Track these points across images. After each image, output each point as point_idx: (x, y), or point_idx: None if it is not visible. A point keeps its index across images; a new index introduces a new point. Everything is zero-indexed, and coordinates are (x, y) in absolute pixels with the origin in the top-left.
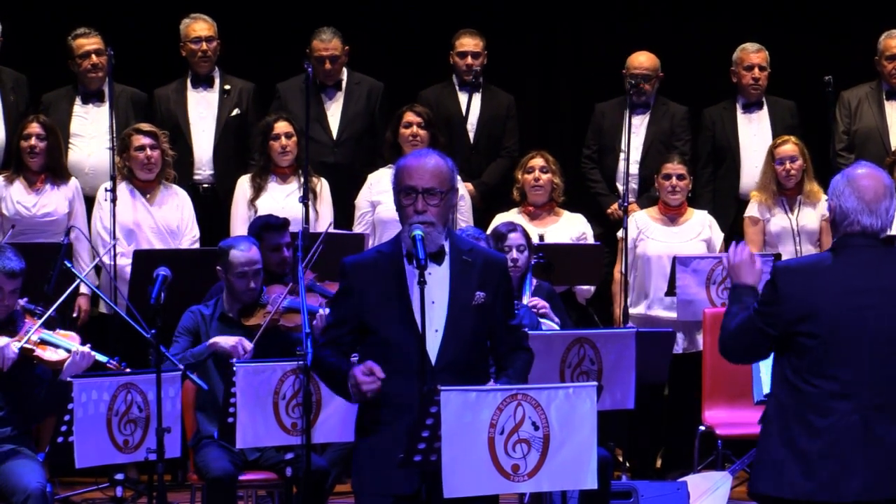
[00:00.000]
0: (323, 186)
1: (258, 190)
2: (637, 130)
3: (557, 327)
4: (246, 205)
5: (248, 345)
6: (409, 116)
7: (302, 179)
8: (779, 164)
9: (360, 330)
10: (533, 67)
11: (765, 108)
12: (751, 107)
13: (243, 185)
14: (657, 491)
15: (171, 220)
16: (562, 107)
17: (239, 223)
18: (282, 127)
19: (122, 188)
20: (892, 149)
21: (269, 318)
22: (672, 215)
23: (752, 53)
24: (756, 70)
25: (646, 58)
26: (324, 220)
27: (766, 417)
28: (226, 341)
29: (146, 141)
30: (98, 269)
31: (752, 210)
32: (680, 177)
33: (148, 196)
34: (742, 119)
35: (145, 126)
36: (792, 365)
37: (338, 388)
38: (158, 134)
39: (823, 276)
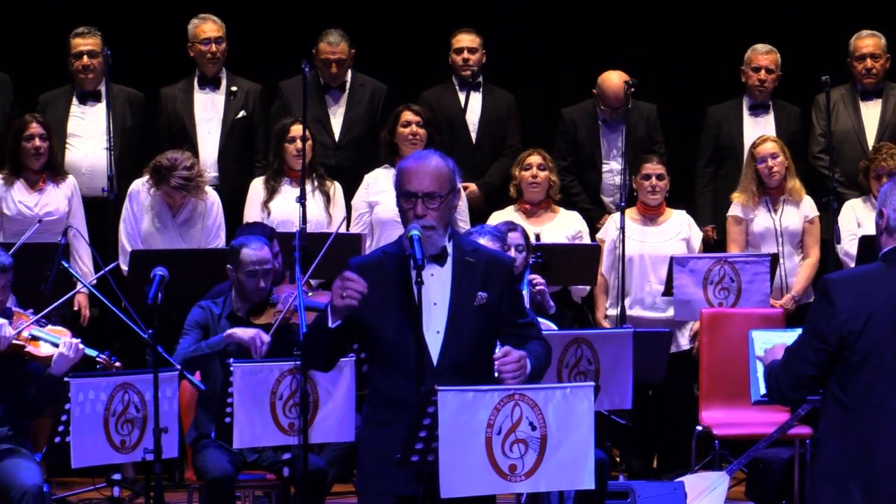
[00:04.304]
0: (336, 190)
1: (272, 192)
2: (617, 139)
3: (553, 325)
4: (259, 207)
5: (266, 337)
6: (407, 115)
7: (316, 182)
8: (761, 162)
9: (357, 328)
10: (532, 68)
11: (772, 111)
12: (757, 108)
13: (257, 187)
14: (654, 491)
15: (193, 233)
16: (561, 107)
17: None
18: (298, 130)
19: (150, 199)
20: (870, 149)
21: (281, 317)
22: (651, 215)
23: (762, 55)
24: (763, 72)
25: (618, 78)
26: (337, 223)
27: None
28: (244, 332)
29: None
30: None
31: (734, 210)
32: (659, 177)
33: (172, 208)
34: (748, 120)
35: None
36: (841, 385)
37: (318, 328)
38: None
39: (879, 287)
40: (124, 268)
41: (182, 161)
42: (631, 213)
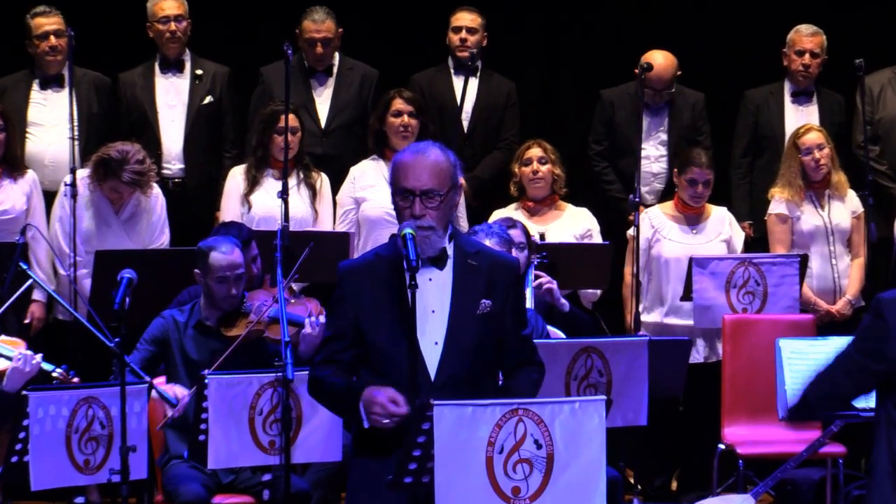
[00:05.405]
0: (323, 183)
1: (253, 184)
2: (659, 125)
3: (560, 333)
4: (239, 200)
5: (182, 391)
6: (399, 104)
7: (301, 175)
8: (805, 154)
9: (359, 343)
10: (534, 52)
11: (815, 99)
12: (800, 95)
13: (236, 177)
14: None
15: (138, 230)
16: (565, 94)
17: (230, 220)
18: (289, 119)
19: (89, 195)
20: None
21: (251, 328)
22: (690, 214)
23: (806, 37)
24: (807, 56)
25: (664, 58)
26: (324, 220)
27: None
28: (165, 389)
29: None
30: (57, 274)
31: (778, 207)
32: (707, 184)
33: (115, 204)
34: (790, 108)
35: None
36: None
37: (344, 409)
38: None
39: None
40: (62, 272)
41: (133, 154)
42: (667, 208)
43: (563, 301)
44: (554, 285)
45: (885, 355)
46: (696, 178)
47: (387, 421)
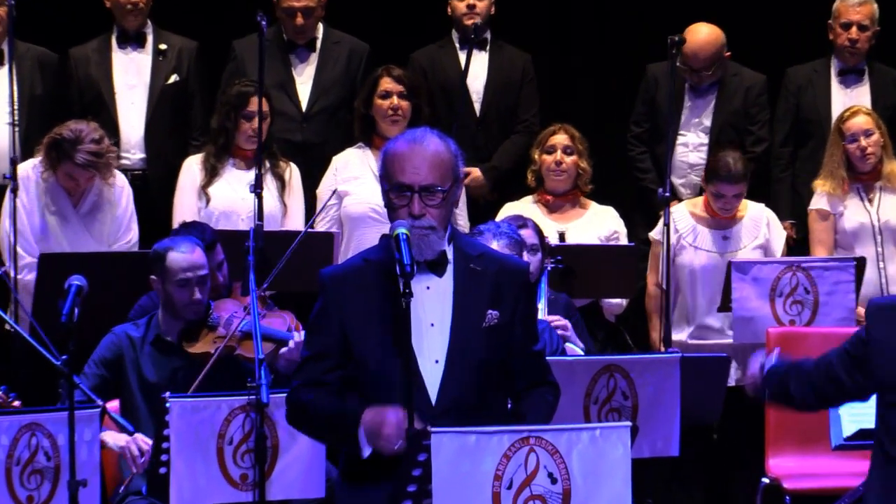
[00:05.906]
0: (293, 174)
1: (212, 175)
2: (703, 109)
3: (578, 350)
4: (195, 193)
5: (145, 444)
6: (387, 83)
7: (268, 164)
8: (850, 141)
9: (347, 362)
10: (545, 21)
11: (865, 77)
12: (848, 74)
13: (192, 168)
14: None
15: (100, 225)
16: (582, 71)
17: (186, 217)
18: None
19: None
20: None
21: (223, 346)
22: (721, 218)
23: (853, 7)
24: (855, 29)
25: (706, 34)
26: (294, 215)
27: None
28: (114, 438)
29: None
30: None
31: (819, 202)
32: (738, 196)
33: (73, 195)
34: (837, 88)
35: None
36: (892, 434)
37: (337, 436)
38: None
39: None
40: (26, 276)
41: (88, 133)
42: (695, 207)
43: (581, 344)
44: (569, 330)
45: (866, 375)
46: (722, 193)
47: (402, 443)
